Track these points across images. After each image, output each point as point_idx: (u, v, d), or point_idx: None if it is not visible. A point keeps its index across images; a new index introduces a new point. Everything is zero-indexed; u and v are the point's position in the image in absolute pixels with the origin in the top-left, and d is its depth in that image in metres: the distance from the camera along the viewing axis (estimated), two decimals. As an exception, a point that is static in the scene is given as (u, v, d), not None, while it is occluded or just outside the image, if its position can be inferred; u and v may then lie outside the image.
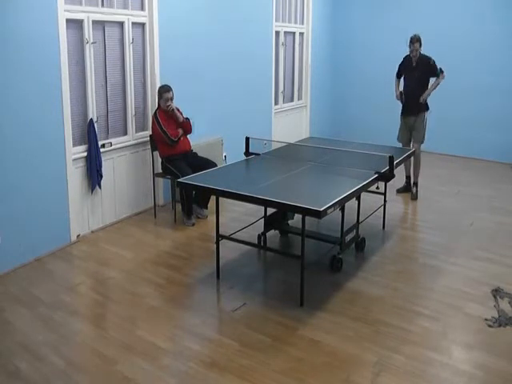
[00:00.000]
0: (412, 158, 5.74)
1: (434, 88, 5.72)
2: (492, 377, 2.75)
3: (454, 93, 7.54)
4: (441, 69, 5.63)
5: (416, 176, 5.92)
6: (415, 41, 5.61)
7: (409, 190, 6.00)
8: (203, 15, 5.67)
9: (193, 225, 4.93)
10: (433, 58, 5.65)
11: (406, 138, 5.91)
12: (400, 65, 5.94)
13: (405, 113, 5.88)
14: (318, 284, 3.76)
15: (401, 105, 5.89)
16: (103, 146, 4.76)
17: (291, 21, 7.63)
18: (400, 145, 5.90)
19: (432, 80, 5.73)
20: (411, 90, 5.74)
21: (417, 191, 5.87)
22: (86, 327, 3.26)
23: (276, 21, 7.12)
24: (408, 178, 6.04)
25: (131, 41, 4.96)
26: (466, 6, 7.52)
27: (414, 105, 5.73)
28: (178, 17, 5.33)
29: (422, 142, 5.85)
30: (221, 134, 5.96)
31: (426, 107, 5.77)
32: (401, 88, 5.88)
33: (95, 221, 4.80)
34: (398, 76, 5.96)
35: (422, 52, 5.67)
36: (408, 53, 5.74)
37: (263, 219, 4.35)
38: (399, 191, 6.01)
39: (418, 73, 5.70)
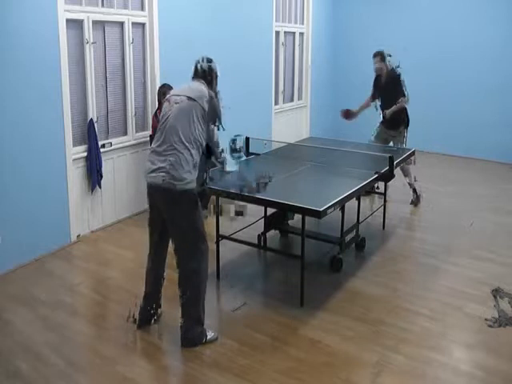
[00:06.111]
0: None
1: (395, 110, 5.30)
2: (492, 377, 2.75)
3: (455, 93, 7.54)
4: (404, 93, 5.27)
5: (409, 179, 5.54)
6: (374, 56, 5.35)
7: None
8: (203, 15, 5.67)
9: (193, 225, 4.92)
10: (402, 76, 5.28)
11: (382, 141, 5.50)
12: (373, 84, 5.58)
13: (384, 124, 5.51)
14: (318, 284, 3.76)
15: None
16: (103, 146, 4.76)
17: (291, 21, 7.62)
18: (372, 141, 5.53)
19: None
20: (387, 109, 5.38)
21: (417, 196, 5.51)
22: (86, 327, 3.27)
23: (276, 21, 7.11)
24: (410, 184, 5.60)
25: (131, 41, 4.95)
26: (466, 5, 7.52)
27: (391, 122, 5.38)
28: (177, 17, 5.33)
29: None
30: (221, 134, 5.94)
31: (406, 123, 5.41)
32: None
33: (95, 221, 4.80)
34: (374, 97, 5.59)
35: (393, 66, 5.33)
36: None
37: (263, 219, 4.35)
38: (413, 203, 5.52)
39: (388, 91, 5.35)
